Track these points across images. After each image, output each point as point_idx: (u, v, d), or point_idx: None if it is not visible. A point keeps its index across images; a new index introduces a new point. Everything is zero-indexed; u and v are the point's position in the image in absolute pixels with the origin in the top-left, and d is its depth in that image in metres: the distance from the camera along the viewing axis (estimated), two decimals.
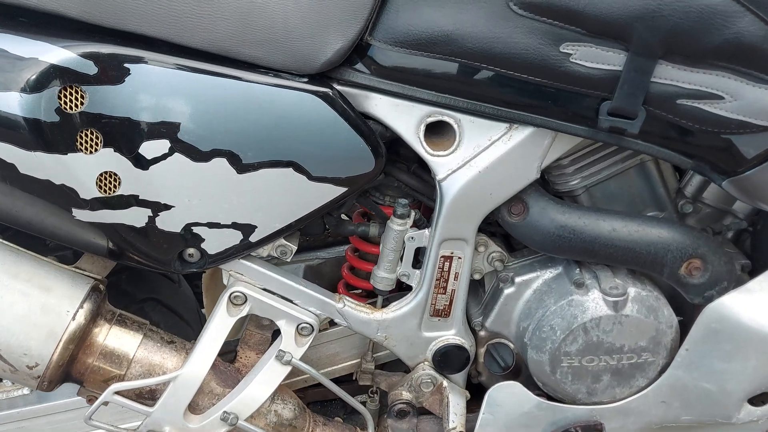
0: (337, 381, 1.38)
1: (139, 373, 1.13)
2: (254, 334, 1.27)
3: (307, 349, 1.23)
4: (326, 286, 1.29)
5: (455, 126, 1.11)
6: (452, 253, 1.20)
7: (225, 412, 1.15)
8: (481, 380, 1.35)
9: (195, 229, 1.12)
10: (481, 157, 1.11)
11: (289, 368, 1.21)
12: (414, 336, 1.26)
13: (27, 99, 1.00)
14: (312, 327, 1.22)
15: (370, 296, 1.44)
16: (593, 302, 1.13)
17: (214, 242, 1.14)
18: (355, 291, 1.46)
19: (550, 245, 1.16)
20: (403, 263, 1.23)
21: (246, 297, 1.19)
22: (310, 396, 1.49)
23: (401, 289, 1.37)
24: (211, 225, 1.12)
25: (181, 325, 1.47)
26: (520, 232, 1.17)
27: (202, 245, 1.14)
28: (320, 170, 1.11)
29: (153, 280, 1.48)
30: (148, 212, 1.09)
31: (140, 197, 1.08)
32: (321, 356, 1.32)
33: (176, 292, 1.51)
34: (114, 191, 1.07)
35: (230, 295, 1.19)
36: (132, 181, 1.07)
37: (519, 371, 1.32)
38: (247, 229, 1.14)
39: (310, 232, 1.29)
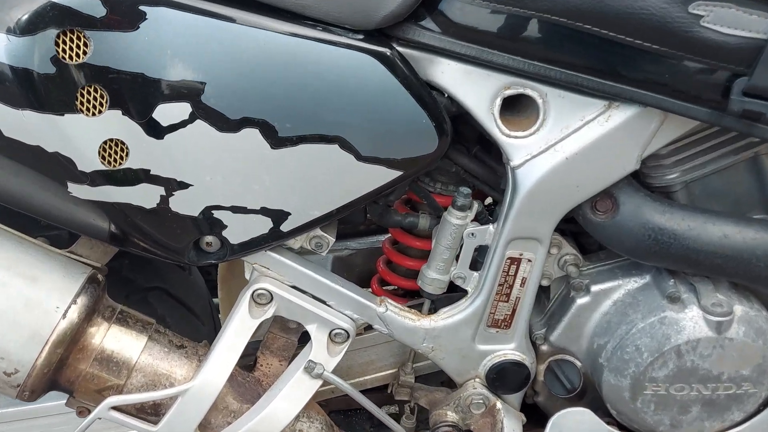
0: (365, 390, 1.19)
1: (142, 384, 0.94)
2: (278, 338, 1.08)
3: (341, 358, 1.04)
4: (356, 280, 1.10)
5: (539, 101, 0.91)
6: (521, 254, 1.00)
7: None
8: (537, 401, 1.16)
9: (216, 214, 0.93)
10: (569, 141, 0.92)
11: (319, 382, 1.02)
12: (466, 349, 1.07)
13: (15, 43, 0.80)
14: (347, 334, 1.03)
15: (407, 296, 1.25)
16: (691, 321, 0.94)
17: (239, 230, 0.94)
18: (388, 287, 1.27)
19: (643, 251, 0.97)
20: (459, 263, 1.03)
21: (272, 295, 1.00)
22: (333, 404, 1.30)
23: (450, 290, 1.18)
24: (236, 209, 0.93)
25: (189, 319, 1.27)
26: (606, 234, 0.98)
27: (224, 233, 0.94)
28: (371, 149, 0.91)
29: (159, 267, 1.28)
30: (161, 191, 0.90)
31: (152, 172, 0.88)
32: (353, 364, 1.14)
33: (186, 282, 1.32)
34: (120, 163, 0.87)
35: (253, 292, 1.00)
36: (143, 151, 0.87)
37: (583, 394, 1.13)
38: (278, 216, 0.94)
39: (349, 220, 1.09)
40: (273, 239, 0.96)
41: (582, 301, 1.04)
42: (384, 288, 1.26)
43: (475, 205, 1.01)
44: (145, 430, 0.93)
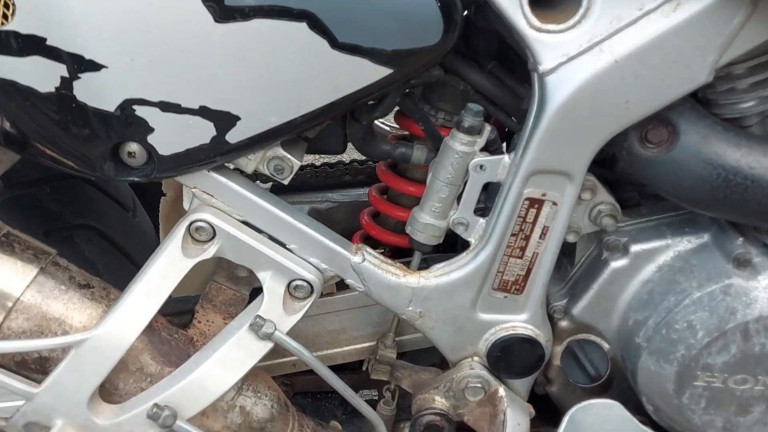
0: (338, 368, 0.96)
1: (24, 330, 0.70)
2: (223, 289, 0.85)
3: (299, 320, 0.81)
4: None
5: None
6: (544, 195, 0.76)
7: (157, 404, 0.73)
8: (550, 391, 0.93)
9: (140, 111, 0.69)
10: (620, 38, 0.68)
11: (269, 345, 0.79)
12: (464, 317, 0.84)
13: None
14: (311, 287, 0.80)
15: (396, 258, 1.02)
16: (765, 292, 0.70)
17: (170, 136, 0.71)
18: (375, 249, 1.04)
19: (706, 196, 0.73)
20: (462, 206, 0.80)
21: (214, 230, 0.77)
22: (298, 384, 1.07)
23: (445, 250, 0.94)
24: (167, 107, 0.69)
25: (128, 269, 1.04)
26: (658, 173, 0.74)
27: (151, 139, 0.71)
28: (351, 33, 0.68)
29: (94, 201, 1.05)
30: (62, 70, 0.66)
31: (48, 42, 0.65)
32: (320, 332, 0.92)
33: (127, 223, 1.08)
34: (2, 23, 0.63)
35: (190, 224, 0.76)
36: (35, 11, 0.63)
37: (609, 384, 0.89)
38: (223, 120, 0.70)
39: (323, 146, 0.85)
40: (217, 153, 0.73)
41: (617, 264, 0.82)
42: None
43: (487, 129, 0.77)
44: (23, 390, 0.69)
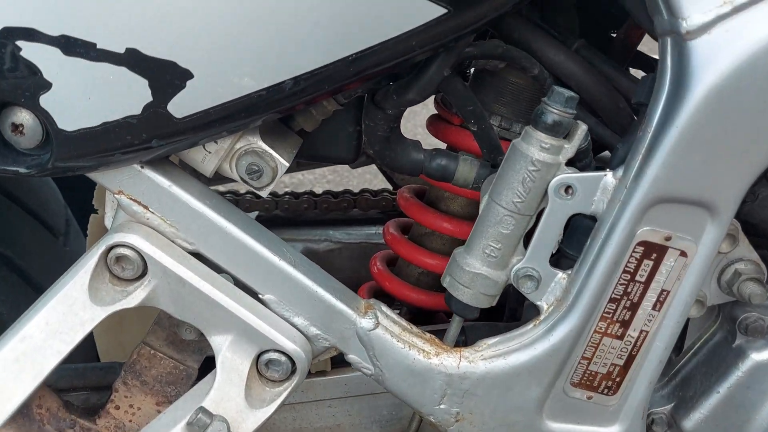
0: None
1: None
2: (158, 359, 0.56)
3: (273, 412, 0.52)
4: None
5: None
6: (669, 239, 0.48)
7: None
8: None
9: (27, 51, 0.42)
10: None
11: None
12: (524, 424, 0.54)
13: None
14: (292, 364, 0.51)
15: (419, 322, 0.74)
16: None
17: (77, 99, 0.44)
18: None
19: None
20: (532, 249, 0.52)
21: (145, 263, 0.48)
22: None
23: (491, 317, 0.66)
24: (71, 47, 0.42)
25: (25, 292, 0.75)
26: None
27: (45, 102, 0.44)
28: None
29: (11, 223, 0.77)
30: None
31: None
32: (302, 427, 0.59)
33: (54, 253, 0.80)
34: None
35: (108, 251, 0.48)
36: None
37: None
38: (164, 76, 0.43)
39: (326, 148, 0.58)
40: (153, 134, 0.45)
41: (760, 356, 0.51)
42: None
43: (581, 129, 0.50)
44: None
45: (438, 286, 0.76)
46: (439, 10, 0.42)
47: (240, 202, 0.94)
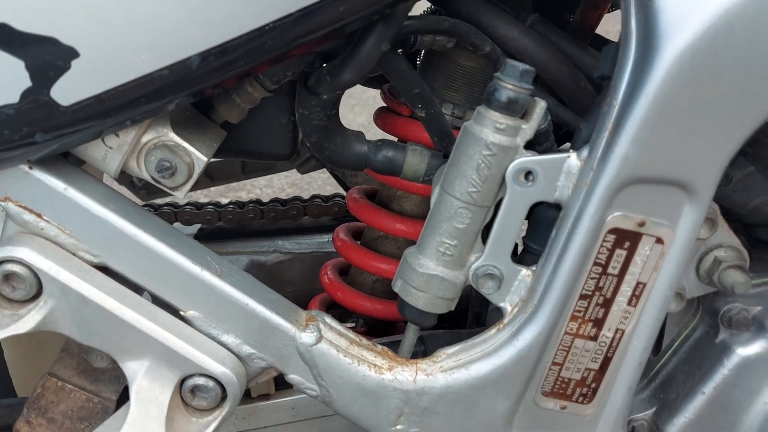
0: None
1: None
2: (67, 392, 0.48)
3: None
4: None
5: None
6: (642, 224, 0.43)
7: None
8: None
9: None
10: None
11: None
12: None
13: None
14: (221, 390, 0.44)
15: (372, 334, 0.69)
16: None
17: None
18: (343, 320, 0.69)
19: None
20: (491, 244, 0.46)
21: (39, 281, 0.41)
22: None
23: (453, 324, 0.61)
24: None
25: None
26: None
27: None
28: None
29: None
30: None
31: None
32: None
33: None
34: None
35: None
36: None
37: None
38: (44, 55, 0.36)
39: (256, 142, 0.52)
40: (38, 127, 0.38)
41: (748, 350, 0.46)
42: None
43: (540, 106, 0.44)
44: None
45: (394, 293, 0.70)
46: None
47: (180, 214, 0.87)
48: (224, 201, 0.91)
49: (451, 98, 0.58)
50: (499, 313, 0.48)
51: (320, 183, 1.85)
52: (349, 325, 0.82)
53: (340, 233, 0.69)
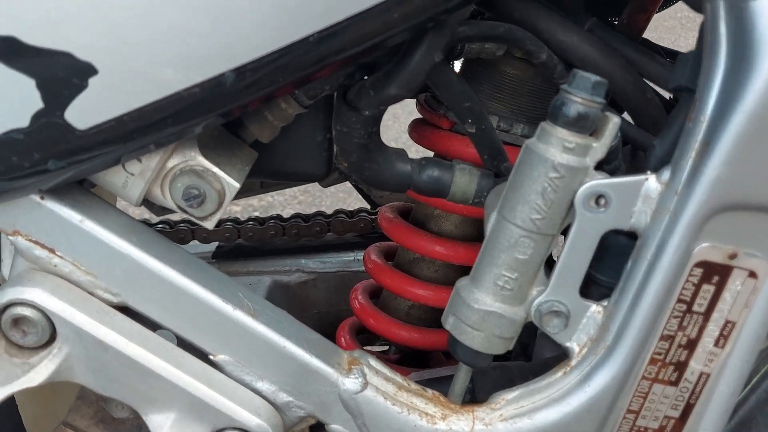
0: None
1: None
2: None
3: None
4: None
5: None
6: (734, 256, 0.37)
7: None
8: None
9: None
10: None
11: None
12: None
13: None
14: None
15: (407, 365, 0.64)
16: None
17: None
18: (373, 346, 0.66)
19: None
20: (556, 277, 0.40)
21: (53, 326, 0.36)
22: None
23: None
24: None
25: None
26: None
27: None
28: None
29: None
30: None
31: None
32: None
33: None
34: None
35: (2, 310, 0.36)
36: None
37: None
38: (59, 72, 0.31)
39: (289, 162, 0.47)
40: (51, 153, 0.33)
41: None
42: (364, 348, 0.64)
43: (613, 122, 0.39)
44: None
45: (432, 320, 0.65)
46: None
47: (197, 232, 0.82)
48: (236, 208, 0.87)
49: (497, 110, 0.53)
50: (549, 345, 0.43)
51: (332, 190, 1.81)
52: (377, 348, 0.78)
53: (371, 254, 0.64)
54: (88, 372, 0.38)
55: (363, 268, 0.80)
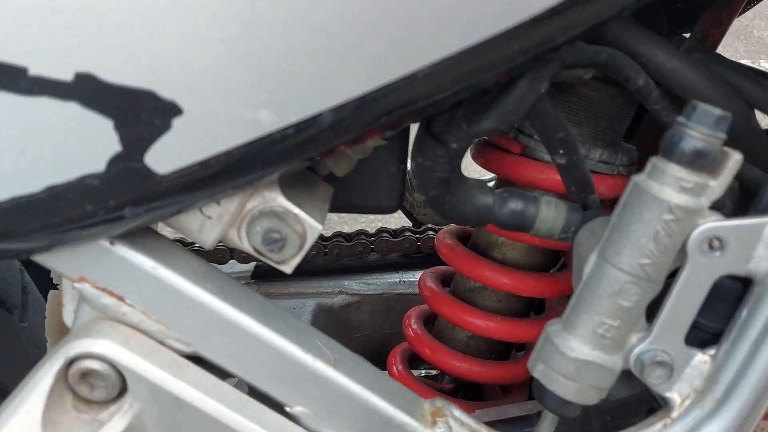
0: None
1: None
2: None
3: None
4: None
5: None
6: None
7: None
8: None
9: None
10: None
11: None
12: None
13: None
14: None
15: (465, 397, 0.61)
16: None
17: (4, 149, 0.29)
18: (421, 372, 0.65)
19: None
20: (660, 324, 0.37)
21: (124, 379, 0.33)
22: None
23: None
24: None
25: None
26: None
27: None
28: None
29: None
30: None
31: None
32: None
33: (7, 332, 0.64)
34: None
35: (69, 365, 0.33)
36: None
37: None
38: (141, 113, 0.28)
39: (363, 195, 0.44)
40: (126, 200, 0.30)
41: None
42: (419, 377, 0.61)
43: (733, 160, 0.35)
44: None
45: (492, 351, 0.62)
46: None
47: (235, 252, 0.79)
48: None
49: (573, 134, 0.49)
50: (617, 383, 0.39)
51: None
52: (424, 372, 0.75)
53: (428, 281, 0.61)
54: (161, 430, 0.35)
55: (408, 291, 0.77)
